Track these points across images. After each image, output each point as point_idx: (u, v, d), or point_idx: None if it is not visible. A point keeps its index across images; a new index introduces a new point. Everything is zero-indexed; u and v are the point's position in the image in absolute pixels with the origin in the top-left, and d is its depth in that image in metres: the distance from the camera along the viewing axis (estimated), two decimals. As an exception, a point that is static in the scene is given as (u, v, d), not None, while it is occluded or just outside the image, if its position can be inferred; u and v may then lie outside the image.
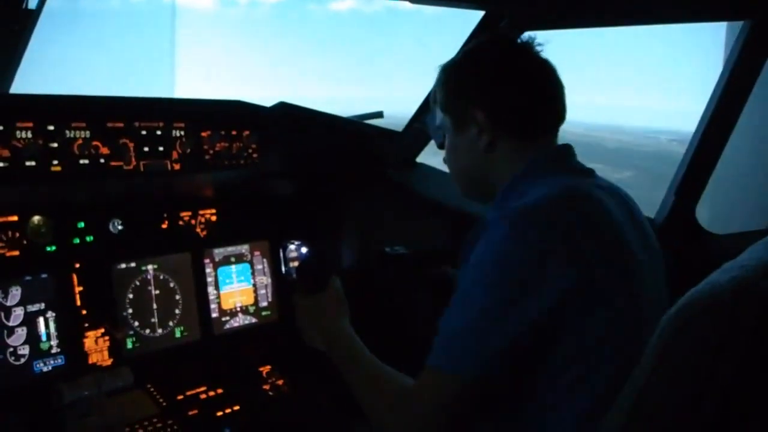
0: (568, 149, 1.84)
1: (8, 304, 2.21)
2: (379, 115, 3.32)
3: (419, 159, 3.46)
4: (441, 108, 1.92)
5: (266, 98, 2.74)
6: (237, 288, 2.80)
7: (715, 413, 1.12)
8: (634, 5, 2.52)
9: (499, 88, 1.79)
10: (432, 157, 3.34)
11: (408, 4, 2.57)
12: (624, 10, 2.55)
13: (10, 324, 2.20)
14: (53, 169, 2.15)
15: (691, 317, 1.15)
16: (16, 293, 2.22)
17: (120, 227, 2.47)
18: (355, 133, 3.13)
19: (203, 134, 2.50)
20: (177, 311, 2.59)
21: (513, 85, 1.79)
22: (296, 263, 2.96)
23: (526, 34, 1.86)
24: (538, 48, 1.85)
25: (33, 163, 2.10)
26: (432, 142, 3.05)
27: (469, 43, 2.75)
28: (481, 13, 2.66)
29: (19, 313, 2.22)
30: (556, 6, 2.51)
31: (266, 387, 2.53)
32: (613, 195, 1.76)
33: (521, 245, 1.52)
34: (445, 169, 3.45)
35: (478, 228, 1.64)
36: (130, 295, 2.48)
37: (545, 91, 1.83)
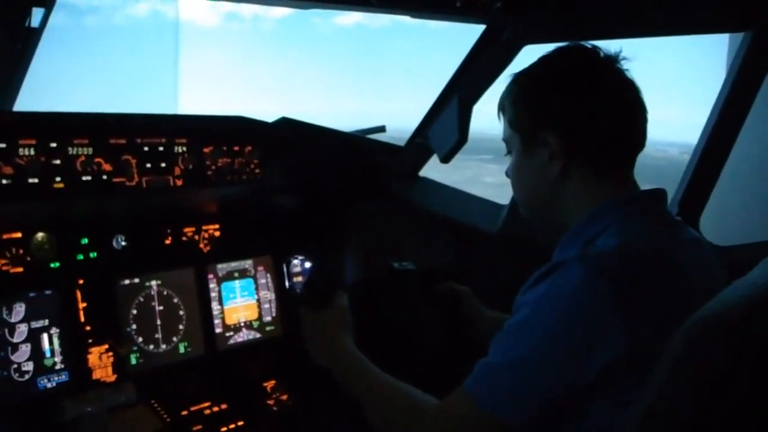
0: (659, 196, 1.69)
1: (12, 320, 2.21)
2: (381, 129, 3.32)
3: (422, 173, 3.47)
4: (509, 123, 1.76)
5: (270, 113, 2.75)
6: (241, 303, 2.80)
7: (724, 430, 1.11)
8: (635, 18, 2.53)
9: (577, 113, 1.62)
10: (439, 173, 3.36)
11: (411, 18, 2.58)
12: (626, 22, 2.56)
13: (14, 340, 2.20)
14: (56, 185, 2.15)
15: (701, 335, 1.13)
16: (20, 310, 2.22)
17: (123, 243, 2.48)
18: (358, 148, 3.13)
19: (205, 150, 2.51)
20: (181, 327, 2.59)
21: (594, 110, 1.62)
22: (300, 278, 2.97)
23: (612, 48, 1.69)
24: (624, 64, 1.68)
25: (36, 180, 2.11)
26: (435, 156, 3.07)
27: (474, 57, 2.76)
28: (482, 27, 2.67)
29: (23, 329, 2.22)
30: (556, 19, 2.51)
31: (270, 402, 2.53)
32: (698, 250, 1.68)
33: (593, 297, 1.44)
34: (441, 180, 3.49)
35: (548, 267, 1.55)
36: (134, 311, 2.48)
37: (630, 119, 1.67)
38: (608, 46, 1.71)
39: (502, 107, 1.80)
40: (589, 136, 1.63)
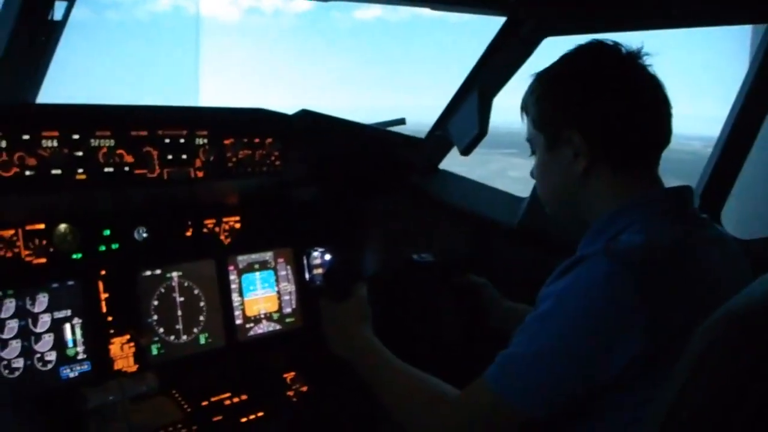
0: (685, 193, 1.68)
1: (35, 310, 2.23)
2: (401, 121, 3.33)
3: (448, 168, 3.47)
4: (532, 123, 1.76)
5: (291, 106, 2.76)
6: (261, 295, 2.81)
7: (748, 427, 1.10)
8: (657, 10, 2.51)
9: (601, 111, 1.62)
10: (465, 167, 3.35)
11: (431, 11, 2.57)
12: (648, 14, 2.54)
13: (38, 330, 2.22)
14: (78, 177, 2.17)
15: (725, 330, 1.12)
16: (43, 300, 2.24)
17: (145, 235, 2.49)
18: (377, 140, 3.13)
19: (226, 142, 2.52)
20: (201, 318, 2.60)
21: (618, 107, 1.61)
22: (320, 270, 2.97)
23: (634, 44, 1.68)
24: (646, 60, 1.67)
25: (59, 172, 2.13)
26: (455, 149, 3.07)
27: (494, 49, 2.75)
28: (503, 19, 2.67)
29: (46, 319, 2.24)
30: (577, 11, 2.50)
31: (290, 393, 2.53)
32: (722, 247, 1.67)
33: (616, 291, 1.44)
34: (466, 174, 3.49)
35: (572, 260, 1.55)
36: (155, 302, 2.49)
37: (654, 115, 1.66)
38: (630, 40, 1.70)
39: (525, 107, 1.79)
40: (613, 134, 1.62)
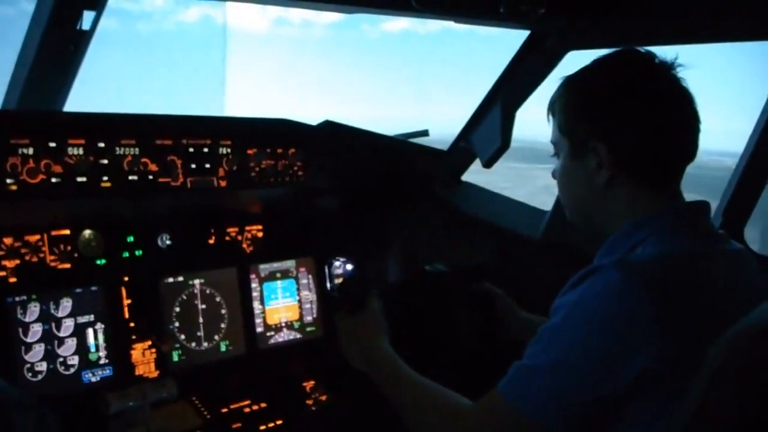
0: (701, 208, 1.66)
1: (59, 315, 2.25)
2: (424, 133, 3.33)
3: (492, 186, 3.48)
4: (558, 127, 1.73)
5: (317, 117, 2.78)
6: (282, 303, 2.82)
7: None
8: (684, 24, 2.49)
9: (629, 124, 1.59)
10: (510, 181, 3.36)
11: (457, 24, 2.58)
12: (674, 29, 2.52)
13: (61, 335, 2.25)
14: (103, 185, 2.20)
15: (742, 346, 1.12)
16: (66, 305, 2.27)
17: (168, 242, 2.52)
18: (400, 151, 3.14)
19: (249, 152, 2.55)
20: (222, 325, 2.62)
21: (647, 122, 1.58)
22: (341, 280, 2.98)
23: (669, 54, 1.64)
24: (679, 71, 1.64)
25: (84, 179, 2.16)
26: (477, 161, 3.07)
27: (517, 62, 2.76)
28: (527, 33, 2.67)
29: (69, 324, 2.27)
30: (601, 25, 2.50)
31: (310, 402, 2.54)
32: (740, 261, 1.66)
33: (627, 303, 1.43)
34: (519, 192, 3.48)
35: (585, 271, 1.55)
36: (177, 309, 2.51)
37: (682, 131, 1.63)
38: (663, 52, 1.67)
39: (552, 110, 1.77)
40: (641, 149, 1.61)
